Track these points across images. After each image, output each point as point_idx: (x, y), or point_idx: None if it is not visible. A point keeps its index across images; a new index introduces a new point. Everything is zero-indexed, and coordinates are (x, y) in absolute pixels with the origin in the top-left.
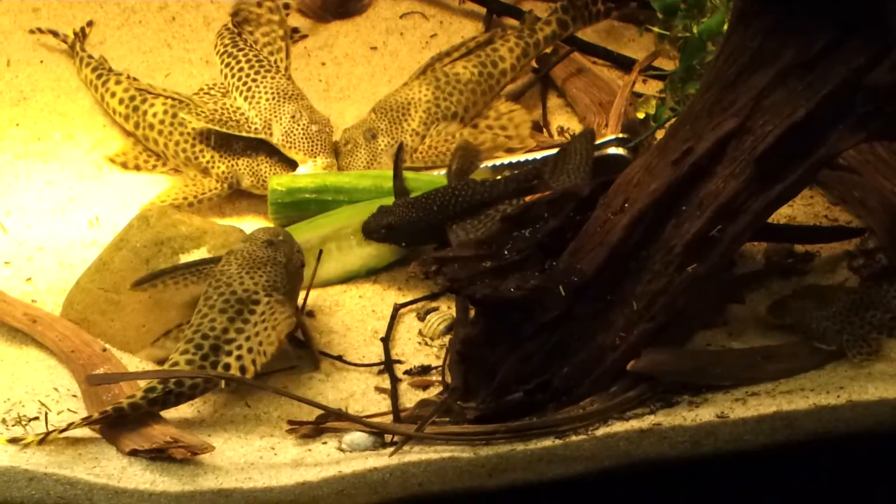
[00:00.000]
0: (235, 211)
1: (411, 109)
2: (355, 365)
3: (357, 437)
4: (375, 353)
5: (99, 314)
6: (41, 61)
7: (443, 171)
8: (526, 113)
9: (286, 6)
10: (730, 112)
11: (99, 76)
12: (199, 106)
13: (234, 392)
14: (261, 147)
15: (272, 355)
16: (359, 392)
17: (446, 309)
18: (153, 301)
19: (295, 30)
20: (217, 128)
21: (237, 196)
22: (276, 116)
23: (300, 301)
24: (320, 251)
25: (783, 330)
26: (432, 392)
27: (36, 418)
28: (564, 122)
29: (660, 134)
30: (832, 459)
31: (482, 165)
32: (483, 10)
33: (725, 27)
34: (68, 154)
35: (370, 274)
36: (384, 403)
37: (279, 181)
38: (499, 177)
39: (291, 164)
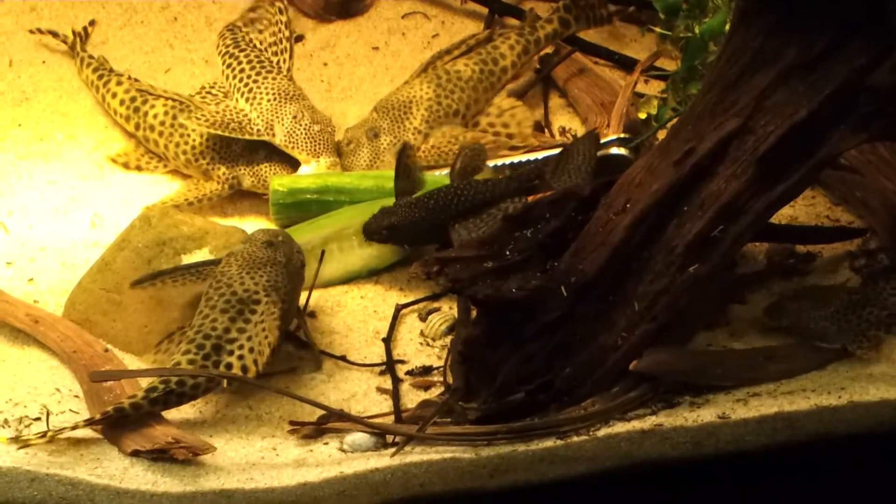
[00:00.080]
0: (237, 211)
1: (413, 108)
2: (357, 365)
3: (359, 437)
4: (377, 353)
5: (101, 315)
6: (43, 62)
7: (445, 171)
8: (528, 110)
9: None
10: (731, 112)
11: (100, 76)
12: (200, 108)
13: (235, 392)
14: (261, 148)
15: (268, 356)
16: (360, 392)
17: (448, 309)
18: (155, 301)
19: (299, 37)
20: (219, 132)
21: (239, 196)
22: (278, 117)
23: (302, 302)
24: (322, 252)
25: (782, 331)
26: (434, 393)
27: (38, 419)
28: (566, 122)
29: (661, 134)
30: (833, 460)
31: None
32: (485, 11)
33: (727, 27)
34: (70, 154)
35: (372, 274)
36: (386, 404)
37: (280, 182)
38: (500, 176)
39: (292, 165)
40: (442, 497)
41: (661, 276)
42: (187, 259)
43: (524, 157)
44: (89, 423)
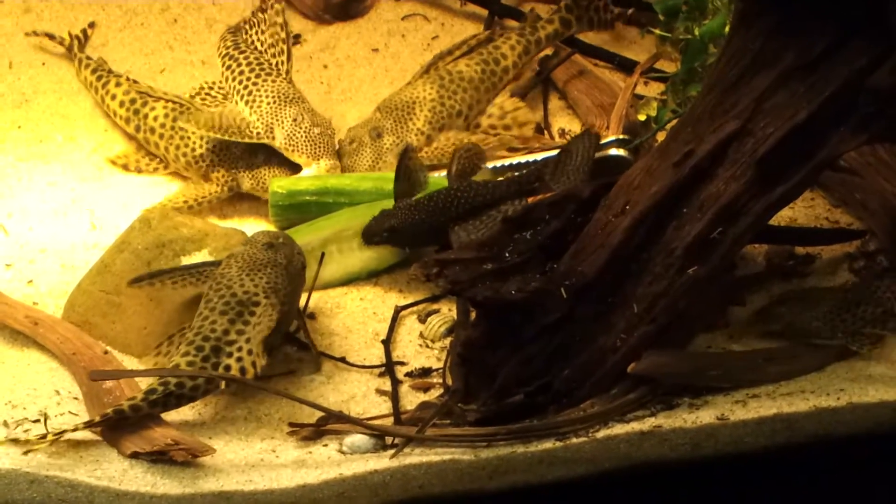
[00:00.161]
0: (237, 213)
1: (416, 108)
2: (357, 367)
3: (358, 439)
4: (376, 355)
5: (100, 316)
6: (43, 64)
7: (443, 173)
8: (530, 112)
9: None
10: (731, 114)
11: (99, 78)
12: (199, 111)
13: (234, 394)
14: (261, 150)
15: (261, 350)
16: (359, 394)
17: (447, 311)
18: (154, 303)
19: (296, 36)
20: (219, 135)
21: (238, 198)
22: (277, 120)
23: (302, 303)
24: (322, 253)
25: (776, 335)
26: (433, 394)
27: (37, 421)
28: (566, 124)
29: (661, 136)
30: (832, 461)
31: (485, 166)
32: (484, 12)
33: (727, 29)
34: (70, 156)
35: (371, 276)
36: (385, 405)
37: (280, 184)
38: (500, 178)
39: (291, 167)
40: (441, 498)
41: (661, 277)
42: (187, 261)
43: (523, 159)
44: (89, 425)
